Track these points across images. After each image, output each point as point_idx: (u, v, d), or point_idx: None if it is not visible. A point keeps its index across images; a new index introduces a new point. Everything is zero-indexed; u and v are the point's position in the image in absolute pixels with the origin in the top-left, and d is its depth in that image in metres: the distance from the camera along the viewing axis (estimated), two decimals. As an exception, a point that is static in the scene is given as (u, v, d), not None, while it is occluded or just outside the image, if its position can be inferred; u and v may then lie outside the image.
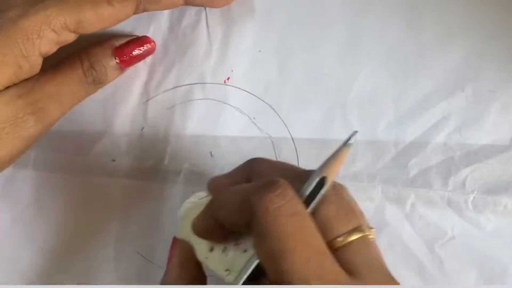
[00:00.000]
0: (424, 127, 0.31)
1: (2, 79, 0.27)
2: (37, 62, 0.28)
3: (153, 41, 0.32)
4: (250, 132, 0.33)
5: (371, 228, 0.24)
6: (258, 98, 0.33)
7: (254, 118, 0.33)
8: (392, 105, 0.32)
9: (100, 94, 0.33)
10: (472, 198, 0.31)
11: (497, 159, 0.31)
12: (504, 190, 0.30)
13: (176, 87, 0.33)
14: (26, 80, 0.28)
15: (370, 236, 0.24)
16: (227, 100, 0.33)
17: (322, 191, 0.24)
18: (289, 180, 0.23)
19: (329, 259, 0.22)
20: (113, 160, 0.34)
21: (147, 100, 0.34)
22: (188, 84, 0.33)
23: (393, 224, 0.31)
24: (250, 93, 0.33)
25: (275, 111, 0.33)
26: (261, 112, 0.33)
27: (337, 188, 0.25)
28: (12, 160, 0.29)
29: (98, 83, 0.31)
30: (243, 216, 0.23)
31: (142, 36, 0.33)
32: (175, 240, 0.28)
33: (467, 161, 0.31)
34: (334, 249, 0.23)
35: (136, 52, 0.32)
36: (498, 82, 0.31)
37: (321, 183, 0.24)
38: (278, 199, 0.22)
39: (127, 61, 0.32)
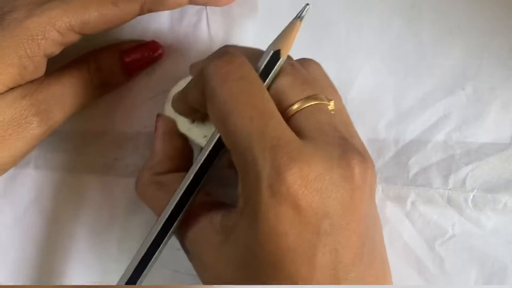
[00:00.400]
0: (424, 126, 0.31)
1: (6, 80, 0.27)
2: (42, 63, 0.28)
3: (161, 47, 0.32)
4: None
5: (329, 100, 0.25)
6: (259, 97, 0.33)
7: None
8: (392, 103, 0.32)
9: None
10: (472, 196, 0.31)
11: (498, 157, 0.31)
12: (504, 188, 0.30)
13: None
14: (31, 81, 0.28)
15: (329, 106, 0.24)
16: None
17: (278, 64, 0.25)
18: (251, 57, 0.24)
19: (275, 119, 0.22)
20: (115, 159, 0.34)
21: (150, 99, 0.34)
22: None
23: (394, 223, 0.31)
24: (251, 92, 0.33)
25: (276, 110, 0.33)
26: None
27: (296, 62, 0.26)
28: (15, 161, 0.29)
29: (104, 85, 0.31)
30: (199, 89, 0.24)
31: (150, 41, 0.33)
32: (158, 116, 0.30)
33: (467, 159, 0.31)
34: (289, 117, 0.23)
35: (143, 56, 0.32)
36: (499, 80, 0.31)
37: (276, 57, 0.25)
38: (226, 64, 0.23)
39: (134, 65, 0.32)
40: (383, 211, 0.31)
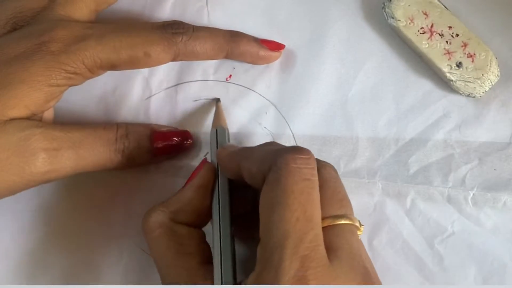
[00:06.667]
0: (424, 124, 0.32)
1: (31, 104, 0.27)
2: (64, 91, 0.29)
3: (192, 138, 0.32)
4: (251, 129, 0.33)
5: (361, 225, 0.25)
6: (260, 95, 0.33)
7: (255, 114, 0.33)
8: (392, 102, 0.32)
9: (102, 90, 0.33)
10: (472, 194, 0.31)
11: (497, 156, 0.31)
12: (503, 187, 0.31)
13: (178, 84, 0.34)
14: (55, 123, 0.29)
15: (358, 231, 0.25)
16: (229, 97, 0.33)
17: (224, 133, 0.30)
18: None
19: (316, 230, 0.23)
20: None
21: (150, 97, 0.34)
22: (190, 81, 0.33)
23: (393, 220, 0.31)
24: (252, 90, 0.33)
25: (276, 108, 0.33)
26: (263, 109, 0.33)
27: (336, 177, 0.26)
28: (8, 193, 0.28)
29: (126, 157, 0.30)
30: (262, 167, 0.24)
31: (183, 130, 0.32)
32: (204, 161, 0.29)
33: (467, 158, 0.31)
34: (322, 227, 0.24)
35: (173, 143, 0.31)
36: (498, 79, 0.31)
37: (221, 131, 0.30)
38: (301, 162, 0.23)
39: (161, 149, 0.31)
40: (382, 209, 0.31)
